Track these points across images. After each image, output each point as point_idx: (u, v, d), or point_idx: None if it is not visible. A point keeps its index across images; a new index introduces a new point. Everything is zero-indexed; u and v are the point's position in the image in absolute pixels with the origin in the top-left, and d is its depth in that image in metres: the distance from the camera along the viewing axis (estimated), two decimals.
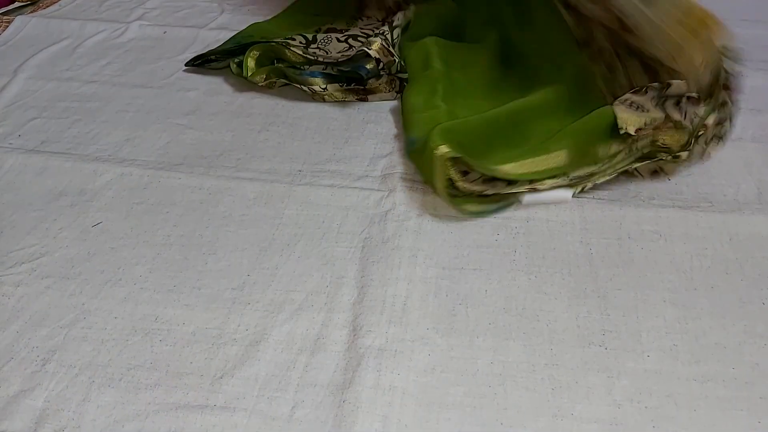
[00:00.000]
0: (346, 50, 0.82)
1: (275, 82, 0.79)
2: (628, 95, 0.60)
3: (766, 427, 0.43)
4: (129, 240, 0.59)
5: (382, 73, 0.76)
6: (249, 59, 0.80)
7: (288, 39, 0.81)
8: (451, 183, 0.58)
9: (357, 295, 0.53)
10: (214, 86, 0.82)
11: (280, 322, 0.51)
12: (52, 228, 0.60)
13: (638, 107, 0.59)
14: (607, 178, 0.61)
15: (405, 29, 0.86)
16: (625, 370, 0.47)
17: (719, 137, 0.62)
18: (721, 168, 0.66)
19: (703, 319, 0.51)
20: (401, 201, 0.62)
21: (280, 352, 0.49)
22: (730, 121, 0.61)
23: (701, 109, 0.58)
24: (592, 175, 0.60)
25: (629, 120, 0.58)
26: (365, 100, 0.78)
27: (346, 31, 0.88)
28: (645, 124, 0.58)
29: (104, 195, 0.64)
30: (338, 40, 0.85)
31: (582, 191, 0.61)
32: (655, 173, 0.63)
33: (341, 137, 0.72)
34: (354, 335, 0.50)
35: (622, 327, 0.50)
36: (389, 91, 0.78)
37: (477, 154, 0.59)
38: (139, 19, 0.99)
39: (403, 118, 0.72)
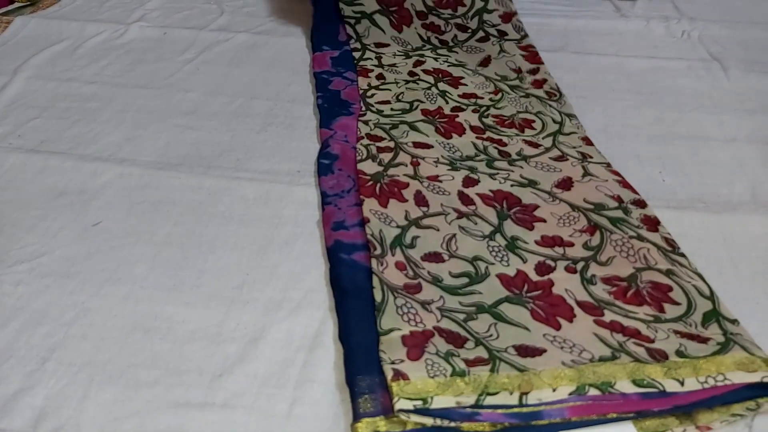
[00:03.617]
0: None
1: None
2: None
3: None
4: (129, 239, 0.59)
5: None
6: None
7: None
8: None
9: None
10: (213, 87, 0.83)
11: (279, 319, 0.51)
12: (52, 227, 0.61)
13: None
14: None
15: None
16: None
17: None
18: (715, 168, 0.67)
19: None
20: None
21: (279, 350, 0.49)
22: None
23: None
24: None
25: None
26: None
27: None
28: None
29: (104, 194, 0.64)
30: None
31: None
32: None
33: None
34: None
35: None
36: None
37: None
38: (139, 20, 0.99)
39: None
